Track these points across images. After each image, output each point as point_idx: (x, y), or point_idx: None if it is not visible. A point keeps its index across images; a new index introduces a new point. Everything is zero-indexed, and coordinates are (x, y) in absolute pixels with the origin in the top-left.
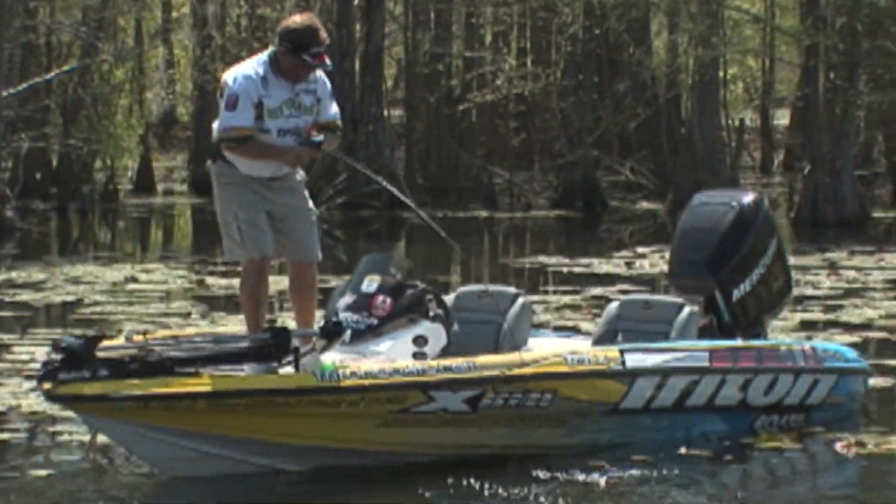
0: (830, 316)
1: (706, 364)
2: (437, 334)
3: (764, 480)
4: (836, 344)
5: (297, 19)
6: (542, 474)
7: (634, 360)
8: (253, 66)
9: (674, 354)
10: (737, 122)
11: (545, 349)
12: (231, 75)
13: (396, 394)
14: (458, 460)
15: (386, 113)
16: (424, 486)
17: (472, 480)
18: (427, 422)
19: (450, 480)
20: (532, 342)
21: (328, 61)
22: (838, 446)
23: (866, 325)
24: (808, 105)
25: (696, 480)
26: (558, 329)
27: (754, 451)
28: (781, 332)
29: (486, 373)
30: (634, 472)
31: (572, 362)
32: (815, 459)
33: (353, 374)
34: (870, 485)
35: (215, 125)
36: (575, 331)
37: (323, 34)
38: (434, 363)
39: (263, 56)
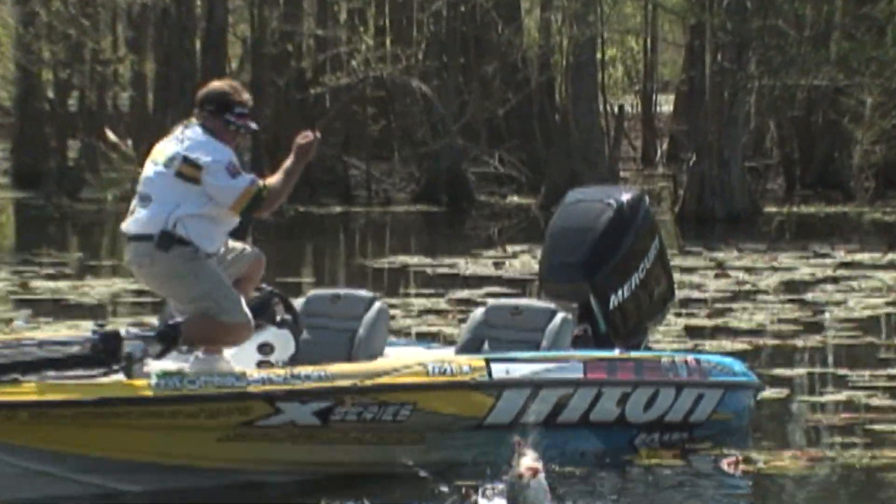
0: (718, 321)
1: (580, 376)
2: (284, 341)
3: (642, 498)
4: (722, 356)
5: (215, 83)
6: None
7: (502, 370)
8: (196, 134)
9: (545, 365)
10: (616, 109)
11: (404, 358)
12: (203, 149)
13: (239, 405)
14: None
15: None
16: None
17: None
18: (273, 436)
19: None
20: (389, 351)
21: (253, 125)
22: (724, 464)
23: (757, 331)
24: (693, 89)
25: (569, 497)
26: (420, 337)
27: (633, 467)
28: (664, 341)
29: (339, 382)
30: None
31: (434, 372)
32: (698, 477)
33: (191, 382)
34: (755, 498)
35: (230, 200)
36: (437, 339)
37: (245, 95)
38: (281, 371)
39: (193, 127)
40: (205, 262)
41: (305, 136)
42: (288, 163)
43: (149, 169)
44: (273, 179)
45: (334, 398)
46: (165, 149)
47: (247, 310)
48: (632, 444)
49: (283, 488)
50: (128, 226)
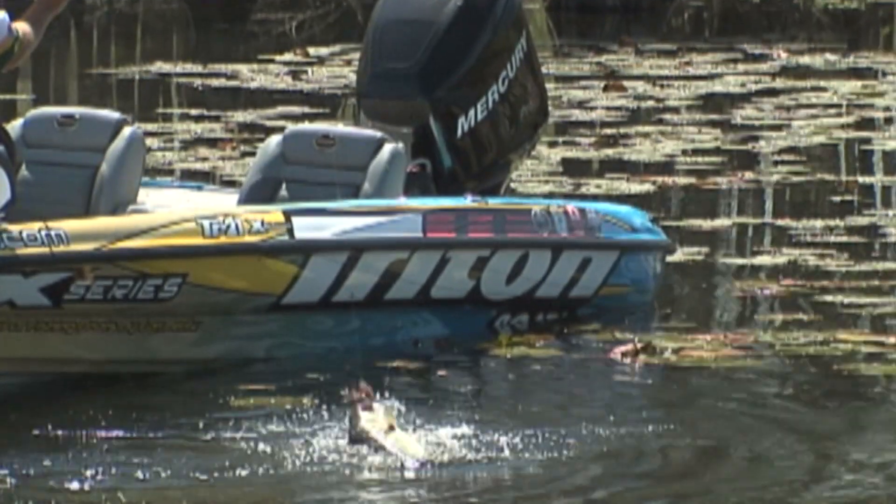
0: (609, 153)
1: (418, 235)
2: None
3: (499, 405)
4: (616, 204)
5: None
6: None
7: (308, 227)
8: None
9: (368, 219)
10: None
11: (167, 208)
12: None
13: None
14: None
15: None
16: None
17: None
18: None
19: None
20: (145, 198)
21: None
22: (617, 353)
23: (664, 166)
24: None
25: (409, 397)
26: (187, 177)
27: (489, 360)
28: (533, 182)
29: (78, 246)
30: (308, 398)
31: (212, 231)
32: (579, 373)
33: None
34: (660, 404)
35: None
36: (212, 180)
37: None
38: None
39: None
40: None
41: None
42: (37, 8)
43: None
44: (24, 27)
45: (71, 268)
46: None
47: None
48: (489, 329)
49: None
50: None
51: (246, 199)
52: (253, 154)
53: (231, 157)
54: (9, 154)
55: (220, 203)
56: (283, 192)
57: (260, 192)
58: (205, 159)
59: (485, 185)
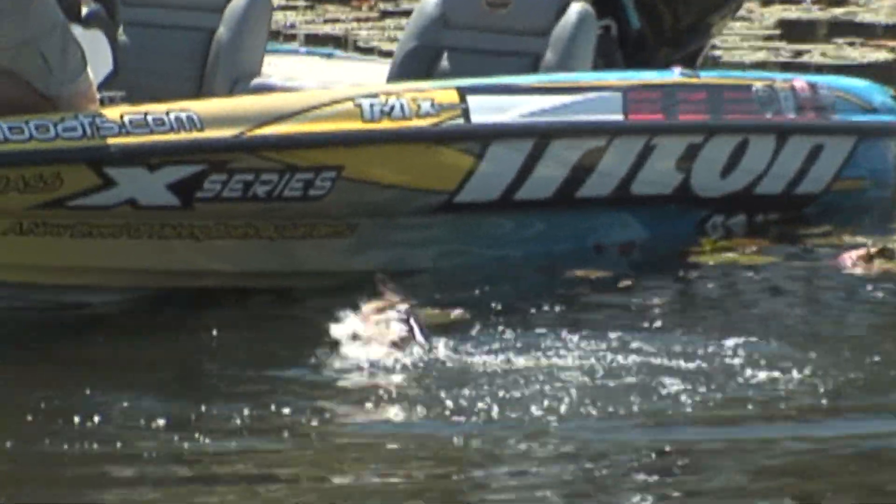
0: (836, 12)
1: (618, 117)
2: (94, 50)
3: (695, 317)
4: (850, 78)
5: None
6: None
7: (487, 108)
8: None
9: (557, 98)
10: None
11: (310, 84)
12: None
13: (42, 171)
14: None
15: None
16: None
17: None
18: (99, 227)
19: None
20: (272, 68)
21: None
22: (847, 259)
23: None
24: None
25: (591, 310)
26: (317, 42)
27: (686, 269)
28: (742, 50)
29: (212, 132)
30: (501, 318)
31: (373, 114)
32: (801, 283)
33: None
34: None
35: None
36: (345, 46)
37: None
38: (112, 114)
39: None
40: None
41: None
42: None
43: None
44: None
45: (204, 160)
46: None
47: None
48: (698, 233)
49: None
50: None
51: (398, 73)
52: (395, 14)
53: (369, 17)
54: (109, 14)
55: (365, 75)
56: (444, 63)
57: (415, 64)
58: (335, 21)
59: (680, 52)
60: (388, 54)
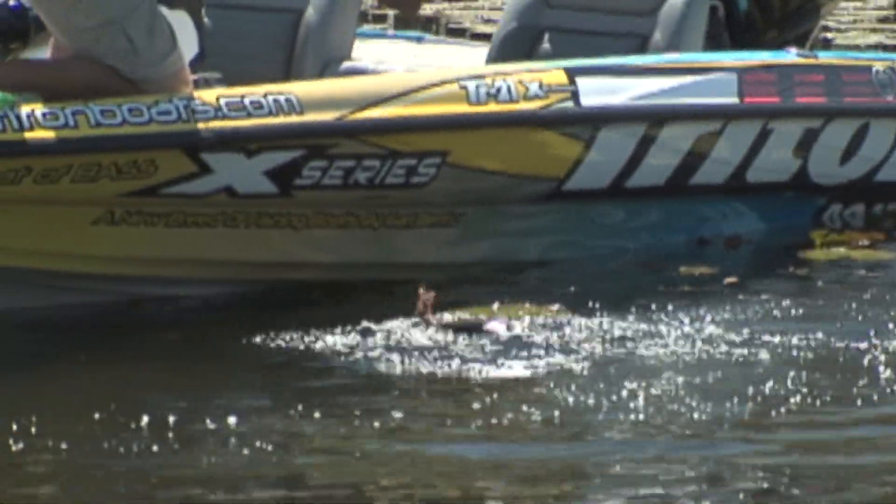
0: None
1: (733, 100)
2: (181, 32)
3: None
4: None
5: None
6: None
7: (596, 91)
8: None
9: (669, 81)
10: None
11: (406, 68)
12: None
13: (136, 157)
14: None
15: None
16: None
17: None
18: (194, 216)
19: None
20: (361, 52)
21: None
22: None
23: None
24: None
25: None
26: (403, 22)
27: (796, 265)
28: (854, 31)
29: (313, 115)
30: (598, 317)
31: (478, 96)
32: None
33: (49, 116)
34: None
35: None
36: (436, 29)
37: None
38: (208, 97)
39: None
40: None
41: None
42: None
43: None
44: None
45: (304, 145)
46: None
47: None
48: (815, 224)
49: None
50: None
51: (498, 55)
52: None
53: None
54: None
55: (455, 59)
56: (546, 44)
57: (516, 46)
58: (427, 1)
59: (788, 34)
60: (479, 36)
